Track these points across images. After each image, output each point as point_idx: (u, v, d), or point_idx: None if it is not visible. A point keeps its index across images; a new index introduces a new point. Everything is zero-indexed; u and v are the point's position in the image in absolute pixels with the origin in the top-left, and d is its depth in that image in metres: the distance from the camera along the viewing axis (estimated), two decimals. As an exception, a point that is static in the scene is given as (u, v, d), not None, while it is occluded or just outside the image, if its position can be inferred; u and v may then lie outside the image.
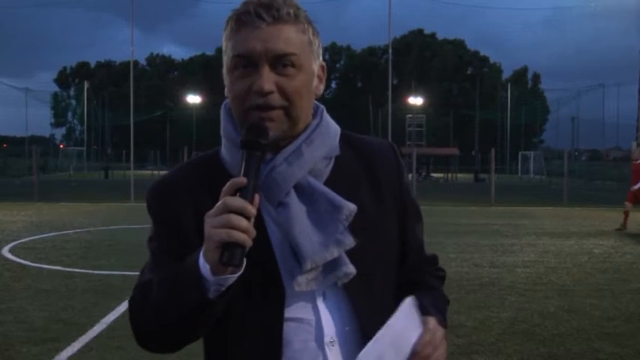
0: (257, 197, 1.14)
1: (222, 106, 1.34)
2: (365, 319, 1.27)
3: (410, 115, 55.82)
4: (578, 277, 8.75)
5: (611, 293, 7.69)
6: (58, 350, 5.26)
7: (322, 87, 1.33)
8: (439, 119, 75.80)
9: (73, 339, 5.57)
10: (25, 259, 9.77)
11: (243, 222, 1.10)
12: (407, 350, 1.18)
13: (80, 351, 5.28)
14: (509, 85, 68.28)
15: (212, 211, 1.12)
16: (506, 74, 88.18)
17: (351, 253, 1.24)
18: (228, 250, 1.10)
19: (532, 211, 20.23)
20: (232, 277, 1.15)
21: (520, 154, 60.94)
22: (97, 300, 7.05)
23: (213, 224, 1.10)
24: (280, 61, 1.22)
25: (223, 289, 1.16)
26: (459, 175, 53.62)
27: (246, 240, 1.10)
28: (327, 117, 1.34)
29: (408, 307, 1.20)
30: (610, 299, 7.36)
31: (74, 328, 5.92)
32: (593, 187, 37.93)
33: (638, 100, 25.63)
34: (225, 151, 1.32)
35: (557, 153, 53.65)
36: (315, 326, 1.25)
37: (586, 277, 8.76)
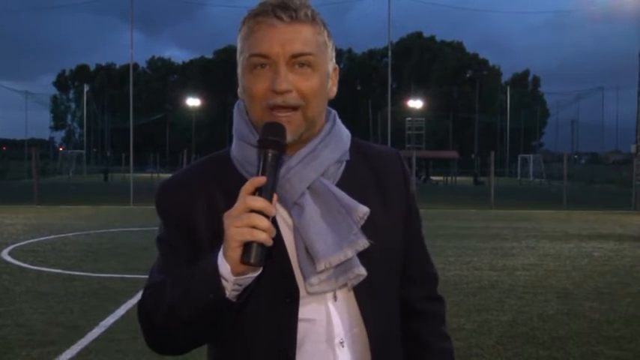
0: (275, 196, 1.15)
1: (235, 106, 1.35)
2: (370, 321, 1.29)
3: (409, 119, 55.90)
4: (578, 280, 8.74)
5: (611, 296, 7.68)
6: (57, 353, 5.25)
7: (335, 89, 1.35)
8: (438, 122, 75.84)
9: (72, 342, 5.56)
10: (24, 262, 9.76)
11: (264, 221, 1.10)
12: None
13: (79, 354, 5.27)
14: (508, 88, 68.29)
15: (232, 210, 1.12)
16: (505, 77, 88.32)
17: (359, 256, 1.26)
18: (250, 250, 1.11)
19: (531, 214, 20.23)
20: (251, 277, 1.15)
21: (519, 157, 60.92)
22: (97, 303, 7.05)
23: (235, 224, 1.11)
24: (297, 61, 1.23)
25: (241, 289, 1.16)
26: (458, 178, 53.61)
27: (268, 239, 1.11)
28: (339, 121, 1.37)
29: None
30: (609, 302, 7.35)
31: (73, 331, 5.91)
32: (592, 191, 37.95)
33: (638, 104, 25.60)
34: (236, 150, 1.32)
35: (557, 156, 53.67)
36: (326, 327, 1.27)
37: (585, 280, 8.75)
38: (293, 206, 1.25)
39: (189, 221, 1.29)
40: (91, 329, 5.97)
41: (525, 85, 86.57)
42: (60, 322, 6.21)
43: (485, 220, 17.97)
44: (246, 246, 1.11)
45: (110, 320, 6.30)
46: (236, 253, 1.11)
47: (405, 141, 54.31)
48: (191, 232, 1.28)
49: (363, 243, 1.25)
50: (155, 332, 1.27)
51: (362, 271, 1.25)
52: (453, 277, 8.60)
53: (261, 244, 1.11)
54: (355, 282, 1.26)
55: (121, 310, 6.67)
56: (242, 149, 1.31)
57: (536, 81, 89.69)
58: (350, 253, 1.24)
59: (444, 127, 76.97)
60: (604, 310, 6.98)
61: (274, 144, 1.17)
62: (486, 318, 6.52)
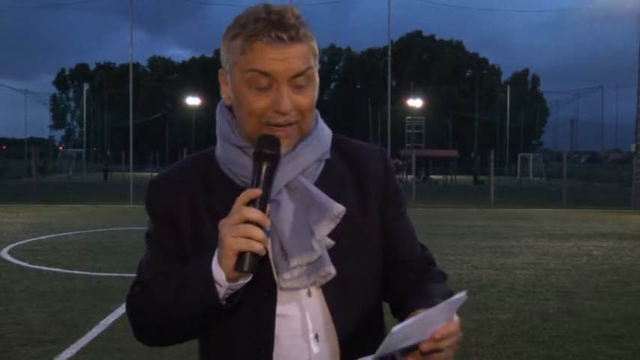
0: (269, 207, 1.20)
1: (218, 107, 1.39)
2: (338, 318, 1.32)
3: (409, 117, 55.86)
4: (577, 278, 8.75)
5: (610, 295, 7.69)
6: (57, 352, 5.26)
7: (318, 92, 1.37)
8: (438, 121, 75.80)
9: (72, 341, 5.56)
10: (24, 260, 9.76)
11: (259, 232, 1.15)
12: (428, 333, 1.19)
13: (79, 353, 5.28)
14: (508, 87, 68.29)
15: (228, 220, 1.17)
16: (505, 76, 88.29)
17: (331, 254, 1.29)
18: (244, 258, 1.16)
19: (531, 212, 20.23)
20: (243, 283, 1.21)
21: (519, 156, 60.98)
22: (96, 302, 7.05)
23: (231, 233, 1.15)
24: (298, 79, 1.26)
25: (232, 293, 1.22)
26: (458, 177, 53.57)
27: (262, 249, 1.16)
28: (321, 121, 1.40)
29: (456, 301, 1.22)
30: (609, 301, 7.36)
31: (73, 330, 5.92)
32: (592, 189, 37.95)
33: (637, 102, 25.60)
34: (220, 149, 1.37)
35: (557, 155, 53.70)
36: (300, 322, 1.30)
37: (585, 278, 8.76)
38: (271, 203, 1.27)
39: (173, 217, 1.34)
40: (90, 328, 5.97)
41: (525, 84, 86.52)
42: (60, 321, 6.21)
43: (484, 218, 17.97)
44: (241, 255, 1.16)
45: (110, 319, 6.30)
46: (231, 261, 1.16)
47: (405, 140, 54.27)
48: (175, 228, 1.34)
49: (330, 241, 1.29)
50: (146, 328, 1.34)
51: (332, 270, 1.28)
52: (452, 276, 8.58)
53: (254, 254, 1.16)
54: (324, 281, 1.29)
55: (121, 309, 6.66)
56: (225, 149, 1.35)
57: (536, 80, 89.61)
58: (320, 251, 1.27)
59: (443, 126, 76.94)
60: (603, 308, 6.98)
61: (269, 157, 1.21)
62: (486, 317, 6.53)
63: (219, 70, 1.34)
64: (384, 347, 1.15)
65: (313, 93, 1.30)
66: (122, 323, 6.10)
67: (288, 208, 1.29)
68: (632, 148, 25.54)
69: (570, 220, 17.80)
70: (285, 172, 1.29)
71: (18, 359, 5.11)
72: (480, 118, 74.57)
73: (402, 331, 1.14)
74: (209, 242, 1.24)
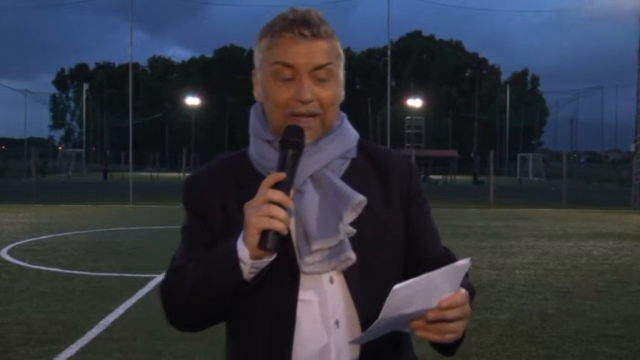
0: (292, 191, 1.30)
1: (253, 108, 1.49)
2: (361, 304, 1.36)
3: (409, 117, 55.94)
4: (577, 279, 8.75)
5: (610, 295, 7.69)
6: (57, 352, 5.25)
7: (343, 93, 1.47)
8: (438, 121, 75.81)
9: (72, 341, 5.56)
10: (23, 260, 9.76)
11: (282, 212, 1.24)
12: (434, 302, 1.19)
13: (78, 353, 5.27)
14: (507, 87, 68.29)
15: (253, 201, 1.26)
16: (505, 76, 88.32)
17: (354, 243, 1.34)
18: (267, 237, 1.23)
19: (531, 212, 20.24)
20: (266, 262, 1.28)
21: (519, 156, 60.97)
22: (96, 302, 7.04)
23: (255, 213, 1.24)
24: (319, 72, 1.36)
25: (257, 272, 1.29)
26: (457, 177, 53.58)
27: (284, 228, 1.25)
28: (347, 122, 1.49)
29: (459, 267, 1.20)
30: (609, 301, 7.36)
31: (73, 330, 5.91)
32: (591, 189, 37.98)
33: (637, 102, 25.61)
34: (252, 147, 1.46)
35: (556, 155, 53.75)
36: (321, 308, 1.36)
37: (585, 278, 8.76)
38: (295, 192, 1.35)
39: (206, 210, 1.43)
40: (90, 328, 5.97)
41: (524, 84, 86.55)
42: (59, 321, 6.21)
43: (484, 219, 17.97)
44: (264, 233, 1.23)
45: (109, 319, 6.30)
46: (255, 239, 1.24)
47: (405, 140, 54.32)
48: (208, 220, 1.42)
49: (351, 229, 1.35)
50: (177, 310, 1.40)
51: (352, 256, 1.33)
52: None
53: (277, 232, 1.23)
54: (344, 266, 1.34)
55: (121, 309, 6.67)
56: (256, 145, 1.44)
57: (536, 80, 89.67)
58: (342, 236, 1.33)
59: (443, 126, 76.95)
60: (603, 308, 6.99)
61: (294, 144, 1.31)
62: (486, 317, 6.53)
63: (252, 71, 1.45)
64: (387, 308, 1.16)
65: (335, 88, 1.39)
66: (122, 323, 6.11)
67: (312, 196, 1.36)
68: (632, 148, 25.55)
69: (570, 220, 17.81)
70: (310, 163, 1.37)
71: (18, 359, 5.11)
72: (479, 118, 74.61)
73: (405, 290, 1.15)
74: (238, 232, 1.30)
